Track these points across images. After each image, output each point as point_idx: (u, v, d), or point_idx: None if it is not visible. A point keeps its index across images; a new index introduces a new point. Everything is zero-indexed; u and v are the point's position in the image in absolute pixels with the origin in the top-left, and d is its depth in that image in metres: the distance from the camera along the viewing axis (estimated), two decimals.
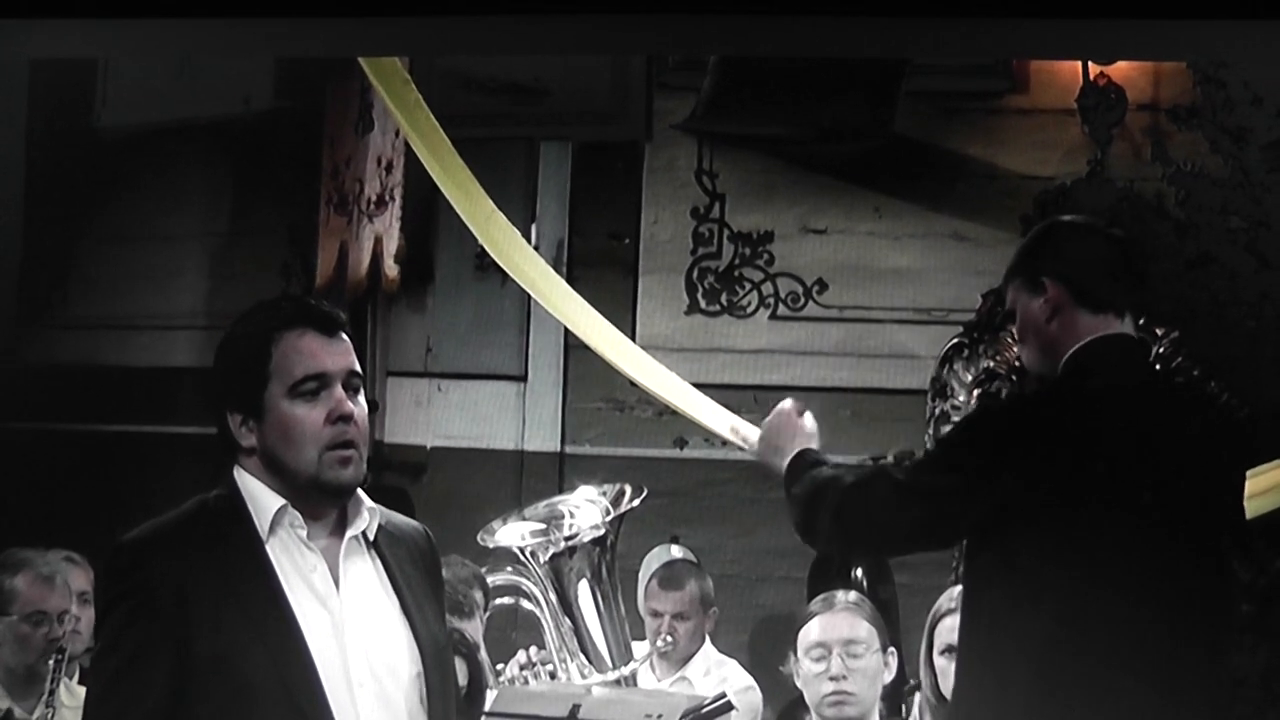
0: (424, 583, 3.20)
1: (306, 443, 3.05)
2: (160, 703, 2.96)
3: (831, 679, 4.74)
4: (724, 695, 4.13)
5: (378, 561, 3.14)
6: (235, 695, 2.96)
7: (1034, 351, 3.77)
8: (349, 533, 3.11)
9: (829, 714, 4.76)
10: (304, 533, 3.07)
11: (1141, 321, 6.73)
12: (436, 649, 3.15)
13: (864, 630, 4.79)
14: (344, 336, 3.13)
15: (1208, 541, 3.65)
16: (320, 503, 3.10)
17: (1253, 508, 4.85)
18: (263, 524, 3.06)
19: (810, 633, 4.80)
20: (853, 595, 4.99)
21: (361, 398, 3.12)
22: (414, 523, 3.30)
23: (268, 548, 3.05)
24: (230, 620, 2.98)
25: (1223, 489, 3.73)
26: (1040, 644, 3.54)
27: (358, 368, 3.13)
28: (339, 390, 3.07)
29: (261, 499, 3.07)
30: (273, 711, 2.97)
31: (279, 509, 3.06)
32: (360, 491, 3.14)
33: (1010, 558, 3.58)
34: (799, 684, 4.88)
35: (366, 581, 3.12)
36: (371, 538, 3.14)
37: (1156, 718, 3.56)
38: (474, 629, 4.74)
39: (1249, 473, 4.08)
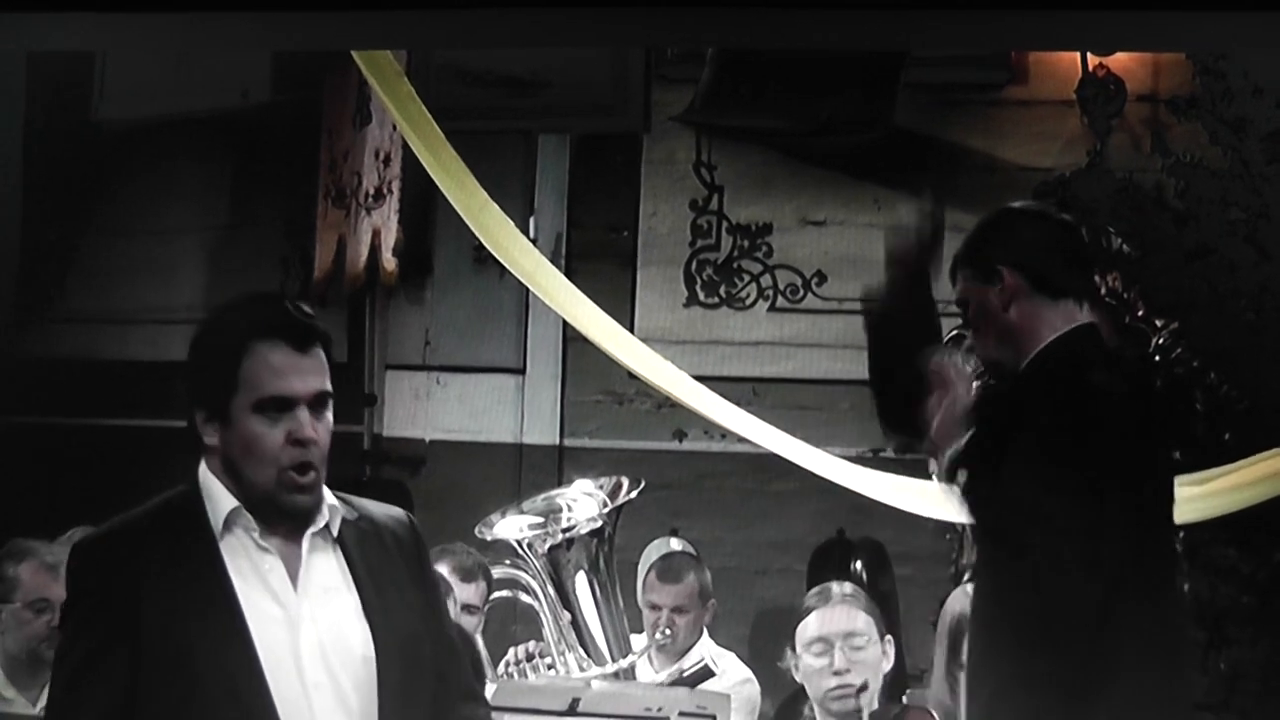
0: (400, 574, 3.18)
1: (265, 460, 3.05)
2: (117, 700, 2.98)
3: (836, 673, 4.73)
4: (701, 659, 4.15)
5: (341, 557, 3.14)
6: (186, 693, 2.97)
7: (990, 340, 3.76)
8: (308, 530, 3.11)
9: (835, 708, 4.75)
10: (257, 533, 3.08)
11: (1140, 313, 6.79)
12: (400, 643, 3.12)
13: (862, 621, 4.79)
14: (318, 351, 3.10)
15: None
16: (275, 517, 3.09)
17: (1250, 496, 4.86)
18: (216, 524, 3.07)
19: (809, 628, 4.80)
20: (848, 587, 4.98)
21: (329, 414, 3.11)
22: (396, 512, 3.28)
23: (221, 546, 3.06)
24: (181, 619, 2.99)
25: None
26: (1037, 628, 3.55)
27: (327, 386, 3.10)
28: (303, 413, 3.06)
29: (218, 499, 3.08)
30: (221, 709, 2.97)
31: (231, 510, 3.07)
32: (324, 489, 3.14)
33: (1008, 541, 3.59)
34: (799, 678, 4.87)
35: (328, 578, 3.11)
36: (335, 534, 3.13)
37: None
38: (472, 593, 4.78)
39: (1245, 461, 4.08)
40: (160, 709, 2.98)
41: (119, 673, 2.97)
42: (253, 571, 3.06)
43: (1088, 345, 3.66)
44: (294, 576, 3.08)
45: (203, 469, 3.11)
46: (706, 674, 4.11)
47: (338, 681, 3.05)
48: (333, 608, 3.09)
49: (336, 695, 3.04)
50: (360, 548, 3.15)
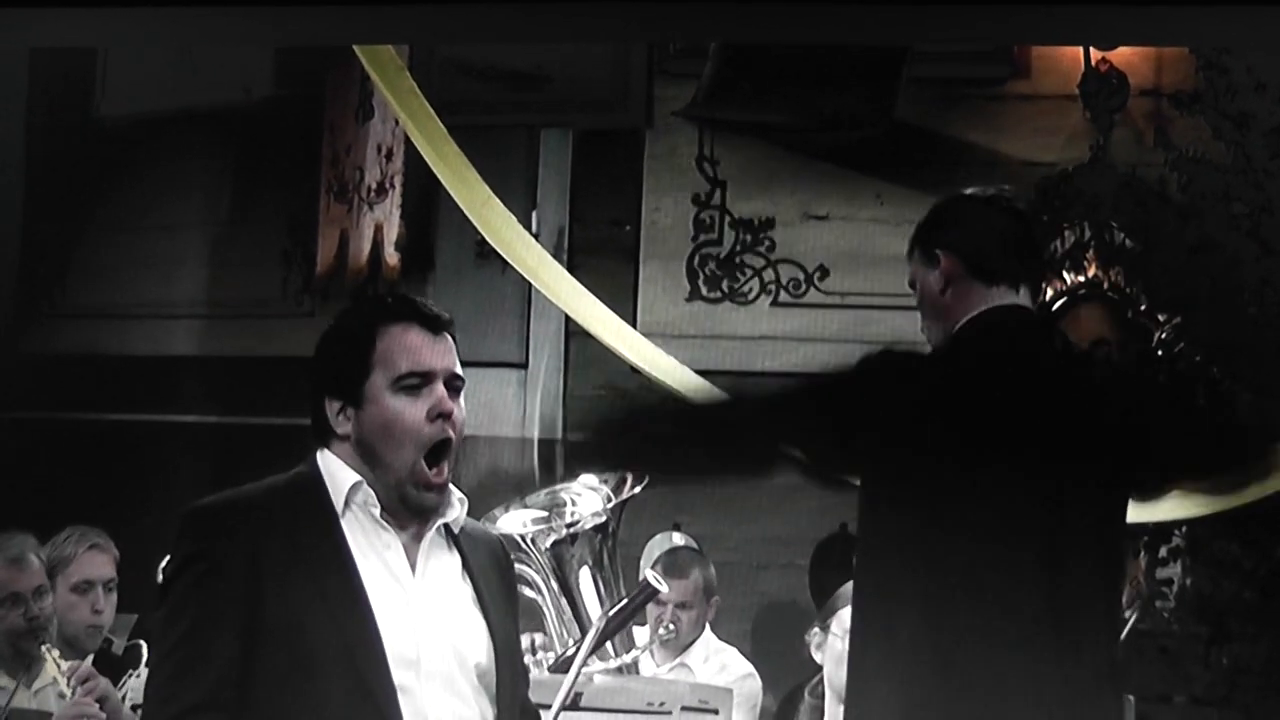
0: (500, 587, 3.24)
1: (406, 439, 3.09)
2: (225, 666, 2.99)
3: None
4: (647, 583, 4.15)
5: (459, 557, 3.19)
6: (300, 662, 2.99)
7: (931, 323, 3.82)
8: (437, 520, 3.15)
9: None
10: (376, 511, 3.10)
11: (1143, 308, 6.78)
12: (509, 648, 3.19)
13: None
14: (448, 337, 3.16)
15: (1091, 503, 3.65)
16: (402, 510, 3.13)
17: (1251, 494, 4.87)
18: (338, 499, 3.10)
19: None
20: None
21: (462, 401, 3.15)
22: (491, 531, 3.40)
23: (342, 522, 3.09)
24: (299, 588, 3.01)
25: (1114, 451, 3.71)
26: (921, 603, 3.56)
27: (460, 370, 3.16)
28: (440, 388, 3.11)
29: (340, 477, 3.11)
30: (336, 679, 2.99)
31: (353, 485, 3.10)
32: (450, 485, 3.17)
33: (892, 522, 3.61)
34: (818, 657, 4.83)
35: (448, 570, 3.16)
36: (456, 531, 3.19)
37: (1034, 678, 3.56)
38: None
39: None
40: (274, 679, 2.99)
41: (229, 642, 2.98)
42: (371, 549, 3.09)
43: (1006, 323, 3.70)
44: (413, 562, 3.12)
45: (323, 454, 3.14)
46: (652, 593, 4.14)
47: (448, 664, 3.08)
48: (452, 598, 3.14)
49: (445, 678, 3.08)
50: (474, 554, 3.21)
